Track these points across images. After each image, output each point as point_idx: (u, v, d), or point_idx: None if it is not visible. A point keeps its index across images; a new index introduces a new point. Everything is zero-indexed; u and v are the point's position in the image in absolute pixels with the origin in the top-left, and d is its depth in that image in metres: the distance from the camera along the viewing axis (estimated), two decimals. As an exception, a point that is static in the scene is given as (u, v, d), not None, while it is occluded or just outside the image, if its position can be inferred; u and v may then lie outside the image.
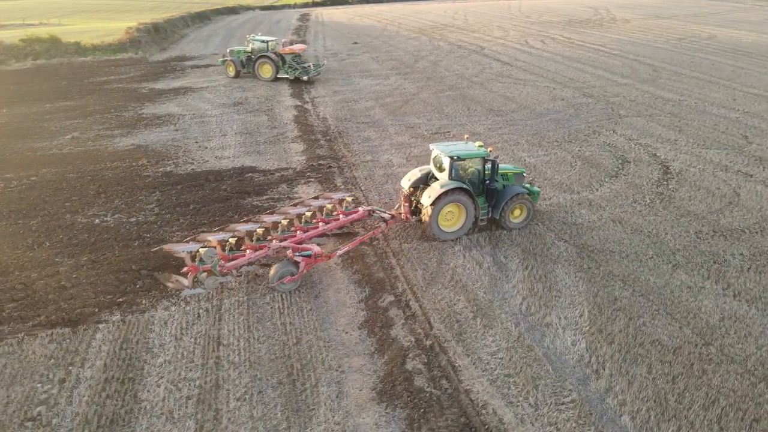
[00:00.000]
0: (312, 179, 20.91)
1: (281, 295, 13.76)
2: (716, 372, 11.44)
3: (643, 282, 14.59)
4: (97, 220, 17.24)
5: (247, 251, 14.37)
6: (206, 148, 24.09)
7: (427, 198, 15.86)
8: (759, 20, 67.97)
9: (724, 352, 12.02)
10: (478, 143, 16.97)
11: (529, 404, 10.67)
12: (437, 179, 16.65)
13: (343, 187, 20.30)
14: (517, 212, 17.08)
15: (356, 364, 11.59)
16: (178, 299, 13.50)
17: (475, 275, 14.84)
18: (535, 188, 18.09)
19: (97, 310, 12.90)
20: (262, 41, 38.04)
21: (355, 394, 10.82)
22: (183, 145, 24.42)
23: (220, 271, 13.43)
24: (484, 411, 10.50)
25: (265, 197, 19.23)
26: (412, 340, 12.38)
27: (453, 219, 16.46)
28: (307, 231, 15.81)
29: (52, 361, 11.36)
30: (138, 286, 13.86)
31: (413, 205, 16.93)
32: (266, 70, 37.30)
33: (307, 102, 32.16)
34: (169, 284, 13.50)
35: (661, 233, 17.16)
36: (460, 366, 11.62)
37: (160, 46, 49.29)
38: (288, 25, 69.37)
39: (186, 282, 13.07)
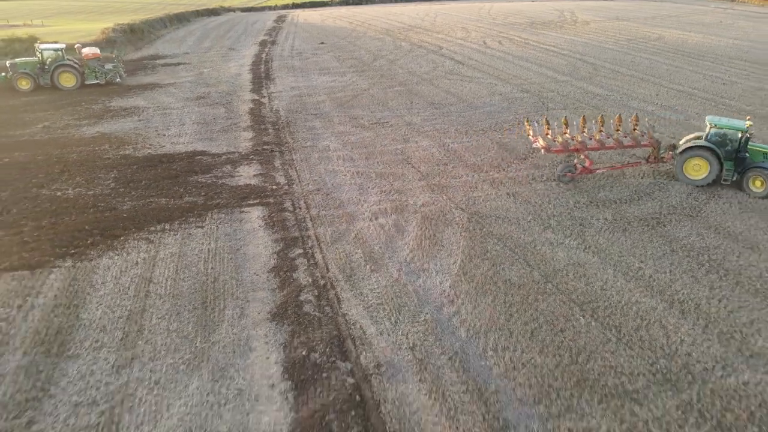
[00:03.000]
0: (254, 161, 23.83)
1: (207, 248, 16.68)
2: (545, 301, 14.45)
3: (515, 239, 17.61)
4: (59, 193, 20.08)
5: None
6: (164, 135, 26.96)
7: (680, 145, 21.59)
8: (711, 23, 71.69)
9: (558, 288, 15.04)
10: (748, 122, 21.18)
11: (390, 323, 13.61)
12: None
13: (280, 169, 23.25)
14: (758, 183, 20.49)
15: (259, 297, 14.50)
16: (121, 252, 16.37)
17: (375, 235, 17.80)
18: None
19: (52, 259, 15.73)
20: (55, 49, 37.01)
21: (254, 315, 13.73)
22: (143, 132, 27.29)
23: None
24: (353, 327, 13.42)
25: (209, 175, 22.12)
26: (310, 280, 15.30)
27: (699, 171, 21.16)
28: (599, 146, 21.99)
29: (12, 293, 14.19)
30: (89, 242, 16.71)
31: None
32: (68, 79, 36.89)
33: (265, 96, 35.10)
34: None
35: (545, 204, 20.20)
36: (343, 298, 14.55)
37: (134, 46, 52.02)
38: (263, 27, 72.23)
39: None
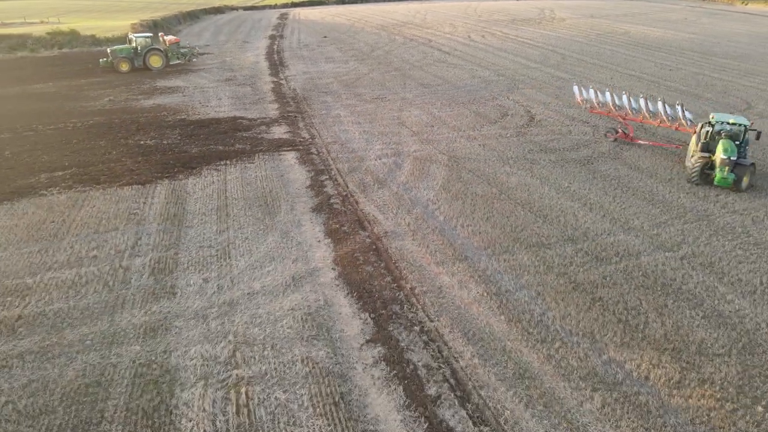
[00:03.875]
0: (282, 123, 30.49)
1: (260, 174, 23.31)
2: (499, 203, 21.14)
3: (481, 171, 24.32)
4: (141, 142, 26.68)
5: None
6: (207, 106, 33.57)
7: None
8: (676, 20, 78.92)
9: (509, 197, 21.75)
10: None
11: (392, 213, 20.25)
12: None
13: (303, 129, 29.88)
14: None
15: (302, 200, 21.16)
16: (200, 176, 22.99)
17: (380, 168, 24.46)
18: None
19: (153, 179, 22.32)
20: (145, 37, 45.23)
21: (300, 209, 20.40)
22: (190, 104, 33.88)
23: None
24: (367, 215, 20.08)
25: (250, 132, 28.75)
26: (335, 192, 21.96)
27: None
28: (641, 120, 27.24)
29: (136, 196, 20.80)
30: (175, 170, 23.31)
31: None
32: (156, 60, 44.58)
33: (282, 79, 41.74)
34: None
35: (507, 150, 26.93)
36: (359, 201, 21.21)
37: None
38: (269, 23, 78.78)
39: None
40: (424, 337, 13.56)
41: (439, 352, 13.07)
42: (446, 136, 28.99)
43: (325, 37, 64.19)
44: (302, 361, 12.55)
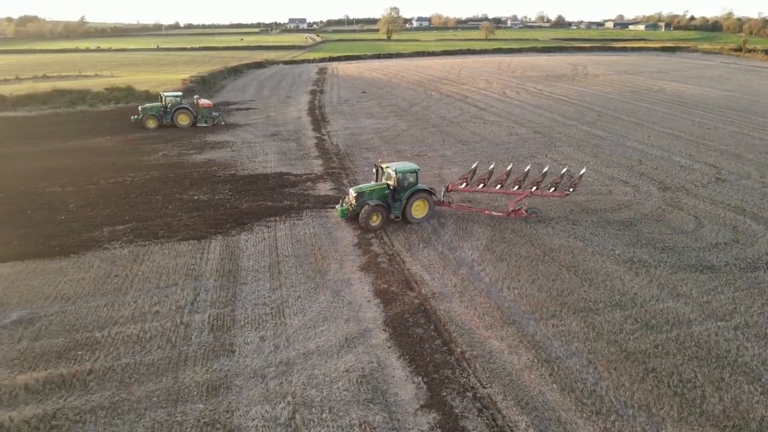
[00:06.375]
0: (327, 179, 31.59)
1: (309, 231, 24.12)
2: (541, 266, 21.36)
3: (524, 231, 24.65)
4: (195, 197, 27.98)
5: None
6: (255, 161, 35.05)
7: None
8: (711, 77, 79.43)
9: (553, 259, 21.97)
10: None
11: (439, 274, 20.66)
12: None
13: (349, 185, 30.86)
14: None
15: (350, 258, 21.78)
16: (251, 232, 23.92)
17: (424, 227, 25.05)
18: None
19: (208, 234, 23.34)
20: (174, 96, 47.33)
21: (348, 267, 20.99)
22: (239, 159, 35.44)
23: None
24: (414, 275, 20.53)
25: (297, 188, 29.85)
26: (382, 251, 22.56)
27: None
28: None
29: (192, 251, 21.76)
30: (228, 226, 24.32)
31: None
32: (183, 119, 46.53)
33: (324, 135, 43.35)
34: None
35: (547, 210, 27.29)
36: (405, 260, 21.72)
37: (208, 94, 61.54)
38: (308, 78, 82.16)
39: None
40: (478, 404, 13.71)
41: (494, 420, 13.19)
42: (487, 195, 29.51)
43: (363, 92, 66.55)
44: (360, 425, 12.83)
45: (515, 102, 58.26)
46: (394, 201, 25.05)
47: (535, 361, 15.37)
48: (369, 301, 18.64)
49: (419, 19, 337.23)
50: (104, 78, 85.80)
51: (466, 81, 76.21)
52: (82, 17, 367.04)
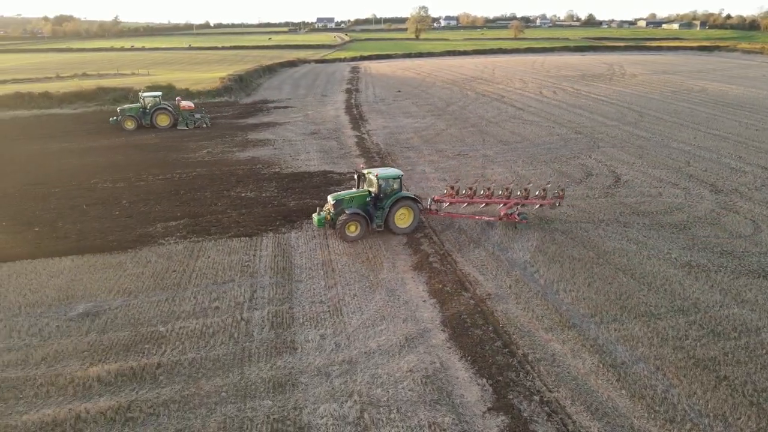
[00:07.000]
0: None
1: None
2: (596, 269, 20.96)
3: (574, 233, 24.23)
4: (243, 194, 28.27)
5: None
6: (298, 159, 35.26)
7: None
8: (755, 77, 77.11)
9: (608, 261, 21.56)
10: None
11: (492, 275, 20.47)
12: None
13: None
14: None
15: (401, 257, 21.71)
16: (301, 229, 24.02)
17: (473, 227, 24.83)
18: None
19: (258, 231, 23.53)
20: (154, 96, 45.83)
21: (401, 266, 20.92)
22: (281, 157, 35.70)
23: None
24: (467, 275, 20.36)
25: (341, 187, 29.88)
26: (432, 251, 22.43)
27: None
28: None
29: (245, 248, 21.96)
30: (277, 223, 24.49)
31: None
32: (163, 120, 45.20)
33: (364, 133, 43.38)
34: None
35: (596, 212, 26.79)
36: (457, 261, 21.56)
37: (245, 93, 62.29)
38: (342, 76, 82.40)
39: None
40: (546, 408, 13.49)
41: (564, 425, 12.95)
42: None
43: (399, 91, 66.47)
44: (429, 426, 12.74)
45: (553, 102, 57.47)
46: (376, 209, 23.41)
47: (601, 365, 15.07)
48: (425, 300, 18.54)
49: (447, 18, 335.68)
50: (141, 76, 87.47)
51: (501, 80, 75.50)
52: (116, 17, 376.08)
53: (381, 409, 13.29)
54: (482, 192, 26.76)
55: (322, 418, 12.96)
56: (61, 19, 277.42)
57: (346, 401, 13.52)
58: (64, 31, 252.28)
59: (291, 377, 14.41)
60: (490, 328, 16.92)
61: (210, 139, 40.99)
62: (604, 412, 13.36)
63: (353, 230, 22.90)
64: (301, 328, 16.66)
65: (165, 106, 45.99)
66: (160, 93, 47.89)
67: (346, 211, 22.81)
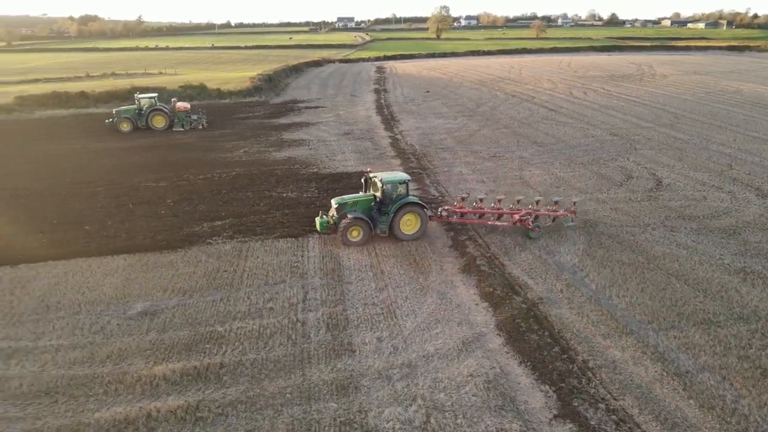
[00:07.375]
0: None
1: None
2: (648, 274, 20.62)
3: (621, 237, 23.89)
4: (284, 195, 28.41)
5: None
6: (334, 160, 35.34)
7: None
8: (790, 77, 75.43)
9: (659, 267, 21.20)
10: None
11: (541, 278, 20.26)
12: None
13: (431, 186, 30.68)
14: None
15: (448, 260, 21.62)
16: (345, 231, 24.03)
17: (517, 230, 24.63)
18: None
19: (304, 232, 23.61)
20: (149, 97, 45.04)
21: (449, 269, 20.83)
22: (318, 157, 35.82)
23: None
24: (516, 278, 20.19)
25: (381, 188, 29.84)
26: (479, 253, 22.29)
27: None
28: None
29: (292, 249, 22.05)
30: (321, 224, 24.53)
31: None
32: (159, 121, 44.69)
33: (398, 134, 43.33)
34: None
35: (641, 216, 26.39)
36: (505, 264, 21.40)
37: (274, 92, 62.67)
38: (368, 76, 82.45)
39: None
40: (614, 417, 13.29)
41: (634, 434, 12.75)
42: (574, 198, 28.77)
43: (427, 92, 66.31)
44: (497, 432, 12.64)
45: (584, 103, 56.83)
46: (380, 214, 22.87)
47: (664, 374, 14.81)
48: (477, 304, 18.42)
49: (467, 17, 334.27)
50: (170, 76, 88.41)
51: (529, 81, 74.89)
52: (140, 16, 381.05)
53: (446, 414, 13.22)
54: (492, 205, 25.93)
55: (389, 421, 12.93)
56: (86, 19, 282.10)
57: (411, 405, 13.47)
58: (89, 31, 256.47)
59: (353, 380, 14.41)
60: (546, 333, 16.74)
61: (245, 138, 41.28)
62: (674, 422, 13.12)
63: (355, 235, 22.43)
64: (357, 331, 16.66)
65: (161, 107, 45.67)
66: (155, 94, 47.49)
67: (349, 216, 22.44)
